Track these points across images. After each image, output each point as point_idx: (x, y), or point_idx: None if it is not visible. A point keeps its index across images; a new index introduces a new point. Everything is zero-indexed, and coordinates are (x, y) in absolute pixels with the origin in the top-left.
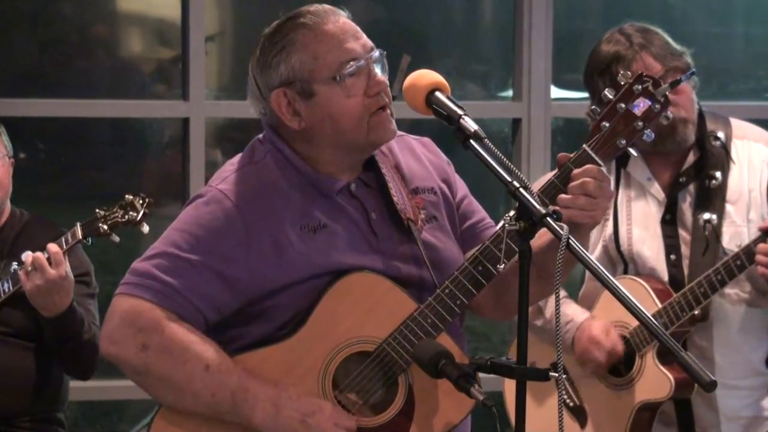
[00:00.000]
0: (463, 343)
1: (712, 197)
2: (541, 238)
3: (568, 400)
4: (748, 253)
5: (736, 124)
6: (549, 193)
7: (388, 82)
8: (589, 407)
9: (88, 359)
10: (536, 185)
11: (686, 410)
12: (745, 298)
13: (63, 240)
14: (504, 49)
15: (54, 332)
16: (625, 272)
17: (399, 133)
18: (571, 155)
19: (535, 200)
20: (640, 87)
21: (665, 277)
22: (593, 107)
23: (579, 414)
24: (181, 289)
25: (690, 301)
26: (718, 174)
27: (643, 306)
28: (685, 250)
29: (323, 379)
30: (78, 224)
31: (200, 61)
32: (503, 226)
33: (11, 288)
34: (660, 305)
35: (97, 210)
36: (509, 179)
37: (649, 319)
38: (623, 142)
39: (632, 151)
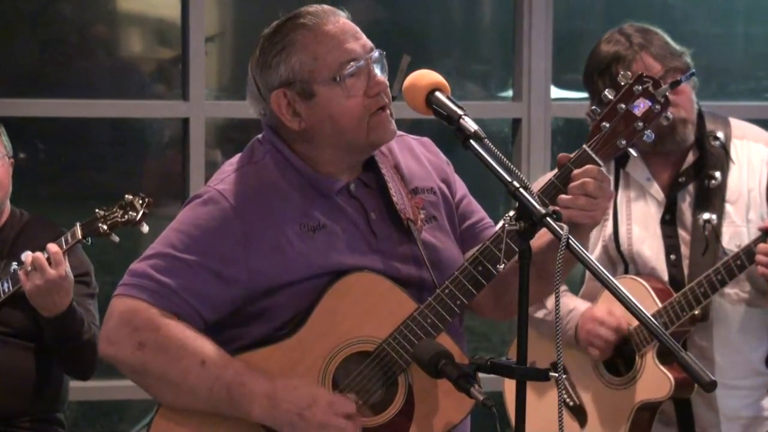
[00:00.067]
0: (462, 343)
1: (712, 197)
2: (541, 238)
3: (568, 400)
4: (748, 253)
5: (736, 124)
6: (549, 194)
7: (387, 83)
8: (589, 407)
9: (88, 359)
10: (536, 185)
11: (686, 410)
12: (745, 297)
13: (63, 240)
14: (504, 49)
15: (54, 332)
16: (626, 272)
17: (399, 133)
18: (571, 155)
19: (535, 200)
20: (640, 87)
21: (665, 276)
22: (593, 107)
23: (579, 413)
24: (178, 289)
25: (690, 301)
26: (717, 174)
27: (643, 306)
28: (684, 250)
29: (323, 379)
30: (78, 224)
31: (200, 61)
32: (503, 226)
33: (11, 288)
34: (660, 305)
35: (96, 210)
36: (509, 179)
37: (649, 318)
38: (623, 142)
39: (632, 151)
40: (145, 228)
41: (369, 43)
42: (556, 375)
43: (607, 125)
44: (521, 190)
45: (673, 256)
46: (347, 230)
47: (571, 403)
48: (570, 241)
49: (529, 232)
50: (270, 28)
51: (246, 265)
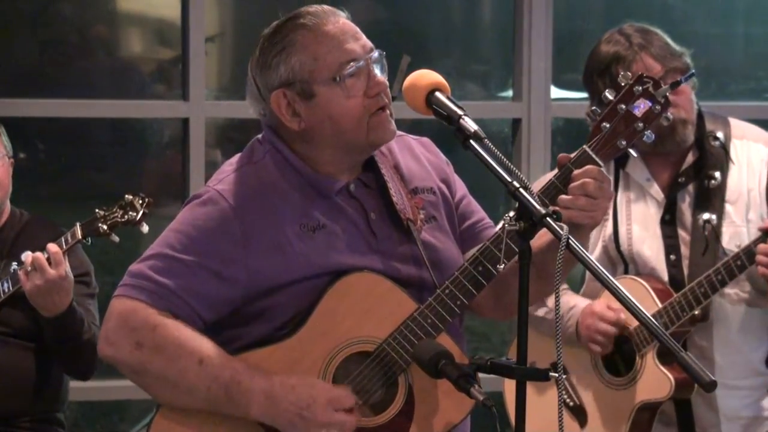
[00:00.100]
0: (462, 343)
1: (712, 197)
2: (541, 238)
3: (568, 400)
4: (748, 253)
5: (735, 124)
6: (549, 194)
7: (387, 83)
8: (589, 407)
9: (88, 359)
10: (536, 185)
11: (686, 410)
12: (745, 298)
13: (63, 240)
14: (504, 49)
15: (54, 332)
16: (626, 272)
17: (398, 133)
18: (572, 156)
19: (535, 200)
20: (640, 88)
21: (665, 277)
22: (593, 108)
23: (579, 414)
24: (176, 290)
25: (690, 301)
26: (717, 174)
27: (643, 306)
28: (684, 250)
29: (323, 379)
30: (78, 224)
31: (200, 61)
32: (503, 226)
33: (11, 288)
34: (660, 305)
35: (96, 210)
36: (509, 179)
37: (649, 319)
38: (624, 143)
39: (632, 152)
40: (145, 228)
41: (369, 44)
42: (556, 375)
43: (608, 126)
44: (521, 190)
45: (672, 257)
46: (347, 230)
47: (571, 404)
48: (570, 241)
49: (529, 232)
50: (270, 28)
51: (245, 265)
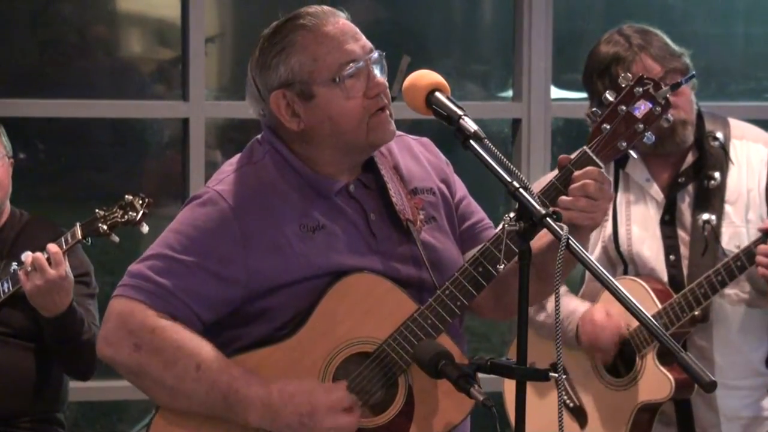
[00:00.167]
0: (462, 343)
1: (711, 198)
2: (541, 238)
3: (568, 401)
4: (748, 254)
5: (735, 124)
6: (549, 195)
7: (387, 84)
8: (589, 408)
9: (88, 359)
10: (536, 186)
11: (686, 410)
12: (744, 298)
13: (63, 240)
14: (504, 49)
15: (54, 332)
16: (625, 273)
17: (398, 133)
18: (572, 157)
19: (535, 200)
20: (641, 89)
21: (665, 277)
22: (593, 109)
23: (579, 414)
24: (175, 291)
25: (690, 302)
26: (716, 174)
27: (643, 307)
28: (684, 251)
29: (323, 379)
30: (78, 224)
31: (200, 61)
32: (503, 226)
33: (11, 288)
34: (660, 306)
35: (96, 210)
36: (509, 180)
37: (649, 319)
38: (624, 144)
39: (632, 153)
40: (145, 228)
41: (368, 44)
42: (556, 375)
43: (608, 127)
44: (521, 190)
45: (672, 257)
46: (347, 231)
47: (571, 404)
48: (570, 241)
49: (529, 233)
50: (270, 28)
51: (245, 265)
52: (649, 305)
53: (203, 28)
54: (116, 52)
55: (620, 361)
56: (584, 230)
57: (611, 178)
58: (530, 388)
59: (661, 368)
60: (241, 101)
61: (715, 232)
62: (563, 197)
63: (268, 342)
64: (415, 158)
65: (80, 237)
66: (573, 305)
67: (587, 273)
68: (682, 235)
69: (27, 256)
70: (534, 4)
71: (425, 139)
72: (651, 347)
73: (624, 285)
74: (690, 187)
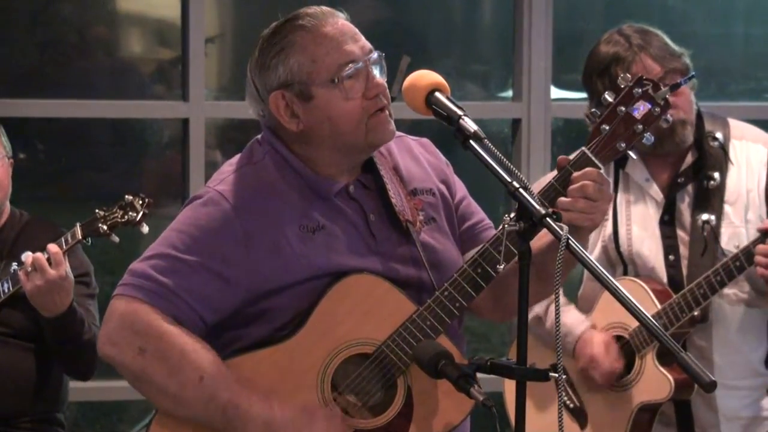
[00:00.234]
0: (462, 344)
1: (711, 198)
2: (540, 239)
3: (568, 401)
4: (747, 254)
5: (734, 124)
6: (549, 196)
7: (386, 84)
8: (589, 408)
9: (88, 360)
10: (536, 186)
11: (686, 410)
12: (744, 298)
13: (63, 240)
14: (504, 49)
15: (54, 332)
16: (625, 273)
17: (398, 134)
18: (571, 157)
19: (535, 201)
20: (640, 90)
21: (664, 277)
22: (593, 110)
23: (579, 415)
24: (178, 291)
25: (689, 302)
26: (716, 174)
27: (642, 307)
28: (683, 251)
29: (322, 380)
30: (78, 224)
31: (200, 61)
32: (503, 227)
33: (11, 288)
34: (659, 306)
35: (96, 210)
36: (509, 180)
37: (650, 320)
38: (623, 145)
39: (631, 153)
40: (145, 228)
41: (368, 45)
42: (556, 376)
43: (607, 128)
44: (521, 190)
45: (671, 257)
46: (346, 231)
47: (571, 405)
48: (570, 241)
49: (529, 233)
50: (269, 29)
51: (247, 266)
52: (649, 305)
53: (203, 28)
54: (116, 52)
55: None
56: (583, 231)
57: (611, 178)
58: (530, 389)
59: (661, 368)
60: (241, 101)
61: (715, 232)
62: (562, 198)
63: (267, 343)
64: (414, 159)
65: (80, 237)
66: (570, 322)
67: (585, 273)
68: (682, 235)
69: (27, 257)
70: (534, 4)
71: (425, 140)
72: (650, 347)
73: (623, 285)
74: (689, 188)
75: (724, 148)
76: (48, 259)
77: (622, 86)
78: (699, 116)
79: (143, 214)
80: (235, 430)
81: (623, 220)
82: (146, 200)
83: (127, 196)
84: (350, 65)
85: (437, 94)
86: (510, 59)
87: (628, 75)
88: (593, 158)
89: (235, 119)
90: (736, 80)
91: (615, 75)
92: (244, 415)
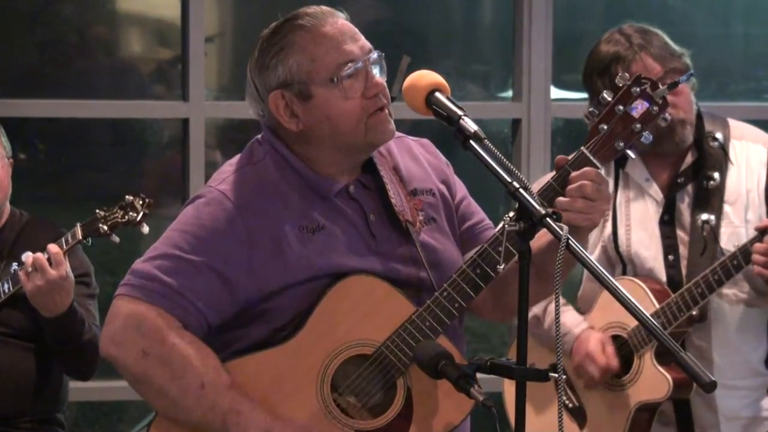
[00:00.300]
0: (462, 344)
1: (710, 198)
2: (540, 239)
3: (567, 401)
4: (745, 252)
5: (734, 124)
6: (547, 196)
7: (386, 84)
8: (588, 408)
9: (89, 360)
10: (535, 187)
11: (685, 410)
12: (743, 298)
13: (63, 240)
14: (504, 49)
15: (55, 333)
16: (624, 273)
17: (398, 134)
18: (569, 157)
19: (535, 201)
20: (638, 89)
21: (663, 277)
22: (591, 109)
23: (578, 415)
24: (183, 291)
25: (687, 302)
26: (716, 175)
27: (641, 307)
28: (683, 251)
29: (322, 381)
30: (78, 225)
31: (200, 61)
32: (502, 227)
33: (11, 289)
34: (658, 306)
35: (97, 210)
36: (509, 180)
37: (649, 319)
38: (621, 144)
39: (630, 153)
40: (146, 229)
41: (367, 45)
42: (556, 376)
43: (605, 127)
44: (521, 190)
45: (671, 257)
46: (346, 232)
47: (570, 405)
48: (570, 241)
49: (529, 233)
50: (268, 29)
51: (248, 265)
52: (647, 305)
53: (203, 28)
54: (116, 52)
55: (618, 360)
56: (582, 231)
57: (611, 178)
58: (529, 389)
59: (659, 368)
60: (241, 101)
61: (714, 232)
62: (560, 198)
63: (267, 344)
64: (414, 159)
65: (81, 237)
66: (568, 323)
67: (585, 274)
68: (681, 235)
69: (27, 257)
70: (534, 4)
71: (425, 140)
72: (649, 347)
73: (622, 285)
74: (689, 188)
75: (723, 148)
76: (48, 259)
77: (621, 85)
78: (699, 116)
79: (143, 215)
80: None
81: (623, 220)
82: (146, 200)
83: (127, 197)
84: (349, 65)
85: (437, 94)
86: (510, 59)
87: (627, 74)
88: (591, 158)
89: (235, 119)
90: (736, 80)
91: (615, 74)
92: (244, 421)
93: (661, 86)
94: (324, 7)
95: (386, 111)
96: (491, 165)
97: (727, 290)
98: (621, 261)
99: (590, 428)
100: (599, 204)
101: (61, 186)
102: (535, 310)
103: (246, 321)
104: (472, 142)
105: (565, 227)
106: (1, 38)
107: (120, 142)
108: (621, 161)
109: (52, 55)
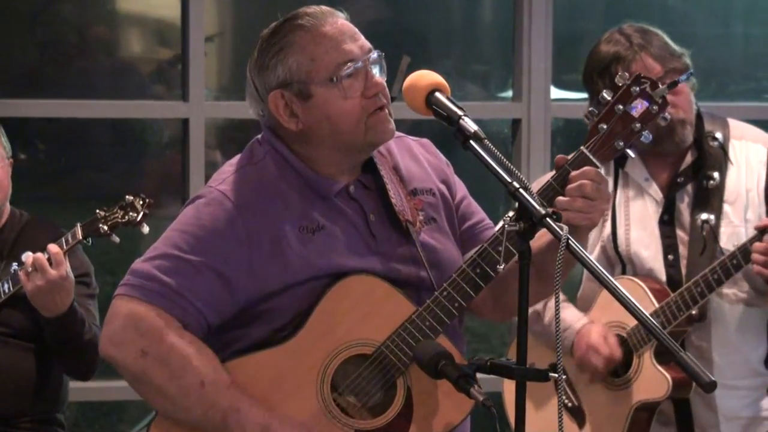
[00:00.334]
0: (462, 344)
1: (710, 197)
2: (540, 239)
3: (566, 401)
4: (744, 252)
5: (734, 124)
6: (547, 196)
7: (385, 84)
8: (588, 408)
9: (89, 360)
10: (534, 186)
11: (685, 410)
12: (743, 297)
13: (63, 240)
14: (504, 49)
15: (55, 333)
16: (623, 273)
17: (398, 134)
18: (569, 157)
19: (535, 201)
20: (637, 88)
21: (663, 277)
22: (591, 109)
23: (577, 415)
24: (183, 291)
25: (687, 301)
26: (715, 174)
27: (640, 306)
28: (682, 251)
29: (321, 381)
30: (78, 225)
31: (200, 61)
32: (502, 227)
33: (11, 289)
34: (657, 305)
35: (97, 210)
36: (509, 180)
37: (649, 319)
38: (621, 143)
39: (630, 152)
40: (146, 229)
41: (367, 44)
42: (556, 376)
43: (605, 126)
44: (521, 190)
45: (670, 257)
46: (346, 232)
47: (570, 404)
48: (570, 241)
49: (529, 233)
50: (268, 29)
51: (248, 265)
52: (647, 305)
53: (203, 28)
54: (116, 52)
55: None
56: (582, 230)
57: (611, 178)
58: (529, 388)
59: (659, 367)
60: (241, 101)
61: (714, 231)
62: (560, 198)
63: (267, 344)
64: (414, 159)
65: (81, 237)
66: (569, 318)
67: (585, 274)
68: (681, 234)
69: (28, 257)
70: (534, 4)
71: (425, 140)
72: (648, 346)
73: (621, 284)
74: (689, 187)
75: (723, 148)
76: (48, 259)
77: (620, 84)
78: (699, 116)
79: (144, 215)
80: None
81: (622, 220)
82: (147, 200)
83: (127, 197)
84: (349, 64)
85: (437, 94)
86: (510, 59)
87: (626, 73)
88: (591, 157)
89: (235, 119)
90: (736, 80)
91: (615, 74)
92: (244, 417)
93: (660, 86)
94: (324, 7)
95: (386, 110)
96: (491, 165)
97: (727, 290)
98: (620, 261)
99: (589, 427)
100: (599, 203)
101: (61, 186)
102: (535, 306)
103: (246, 321)
104: (472, 142)
105: (565, 227)
106: (1, 38)
107: (120, 142)
108: (620, 161)
109: (52, 55)
